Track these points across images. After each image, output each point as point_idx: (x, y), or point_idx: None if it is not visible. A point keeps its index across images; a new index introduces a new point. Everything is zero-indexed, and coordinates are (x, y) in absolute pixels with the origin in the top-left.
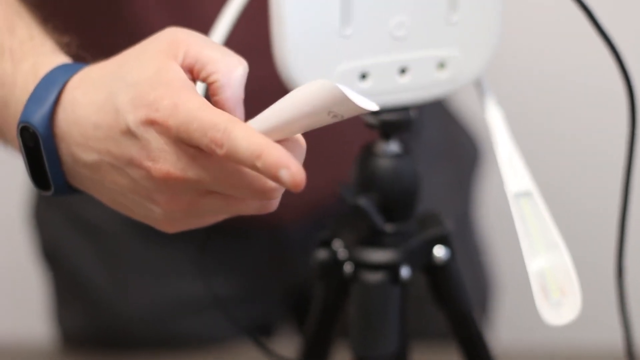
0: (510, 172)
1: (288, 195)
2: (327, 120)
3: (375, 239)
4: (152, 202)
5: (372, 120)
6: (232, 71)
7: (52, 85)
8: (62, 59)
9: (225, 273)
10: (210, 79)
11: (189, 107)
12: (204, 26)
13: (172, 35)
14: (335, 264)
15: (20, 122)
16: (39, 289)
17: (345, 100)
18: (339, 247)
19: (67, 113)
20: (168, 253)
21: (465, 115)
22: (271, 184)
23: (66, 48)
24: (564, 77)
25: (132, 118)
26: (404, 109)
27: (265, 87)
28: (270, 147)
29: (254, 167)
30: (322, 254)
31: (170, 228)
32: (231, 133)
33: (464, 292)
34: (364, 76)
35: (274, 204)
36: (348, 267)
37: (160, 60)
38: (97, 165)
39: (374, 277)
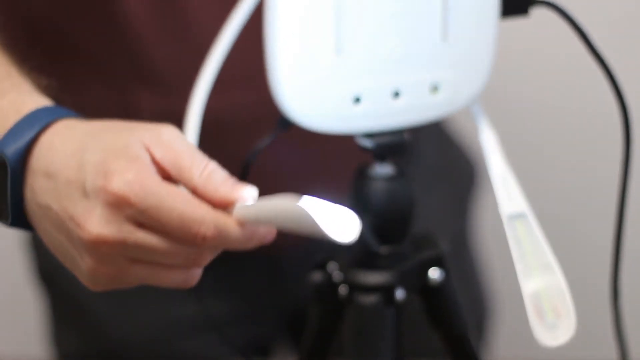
0: (504, 194)
1: None
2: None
3: (370, 261)
4: (81, 260)
5: (366, 143)
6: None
7: (35, 123)
8: (45, 100)
9: (222, 296)
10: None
11: (160, 192)
12: (198, 43)
13: (158, 131)
14: (330, 286)
15: None
16: (36, 311)
17: (314, 225)
18: (334, 270)
19: (42, 153)
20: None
21: (461, 137)
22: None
23: (46, 91)
24: (557, 100)
25: (90, 180)
26: (398, 132)
27: (260, 114)
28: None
29: None
30: (317, 277)
31: (93, 287)
32: (221, 232)
33: (460, 314)
34: (357, 100)
35: (195, 279)
36: (343, 290)
37: (134, 141)
38: (47, 209)
39: (369, 299)
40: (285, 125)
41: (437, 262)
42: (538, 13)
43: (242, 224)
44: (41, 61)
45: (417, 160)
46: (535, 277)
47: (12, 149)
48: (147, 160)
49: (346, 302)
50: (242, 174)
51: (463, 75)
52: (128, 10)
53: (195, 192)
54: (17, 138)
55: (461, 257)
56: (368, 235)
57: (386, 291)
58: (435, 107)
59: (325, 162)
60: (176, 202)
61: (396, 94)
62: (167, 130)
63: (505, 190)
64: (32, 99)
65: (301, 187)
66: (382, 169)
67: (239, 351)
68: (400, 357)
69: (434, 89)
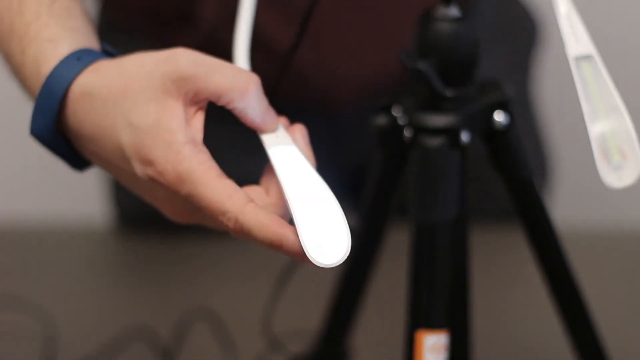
0: (571, 36)
1: (345, 75)
2: None
3: (435, 104)
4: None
5: None
6: (246, 94)
7: (52, 97)
8: (61, 48)
9: None
10: (229, 107)
11: (195, 182)
12: None
13: (176, 71)
14: (394, 129)
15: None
16: (97, 171)
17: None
18: (399, 112)
19: (73, 126)
20: (225, 130)
21: None
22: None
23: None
24: None
25: (138, 167)
26: None
27: None
28: (286, 236)
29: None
30: (381, 120)
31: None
32: (243, 224)
33: (525, 159)
34: None
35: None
36: (408, 132)
37: (163, 105)
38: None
39: (434, 141)
40: None
41: (503, 106)
42: None
43: (261, 215)
44: None
45: (478, 17)
46: (602, 119)
47: (40, 127)
48: (181, 128)
49: (411, 145)
50: (301, 26)
51: None
52: None
53: None
54: (42, 117)
55: (522, 113)
56: (433, 78)
57: (451, 133)
58: None
59: (384, 24)
60: (206, 192)
61: None
62: (184, 70)
63: (572, 32)
64: (50, 54)
65: (361, 39)
66: (447, 11)
67: None
68: (465, 203)
69: None
